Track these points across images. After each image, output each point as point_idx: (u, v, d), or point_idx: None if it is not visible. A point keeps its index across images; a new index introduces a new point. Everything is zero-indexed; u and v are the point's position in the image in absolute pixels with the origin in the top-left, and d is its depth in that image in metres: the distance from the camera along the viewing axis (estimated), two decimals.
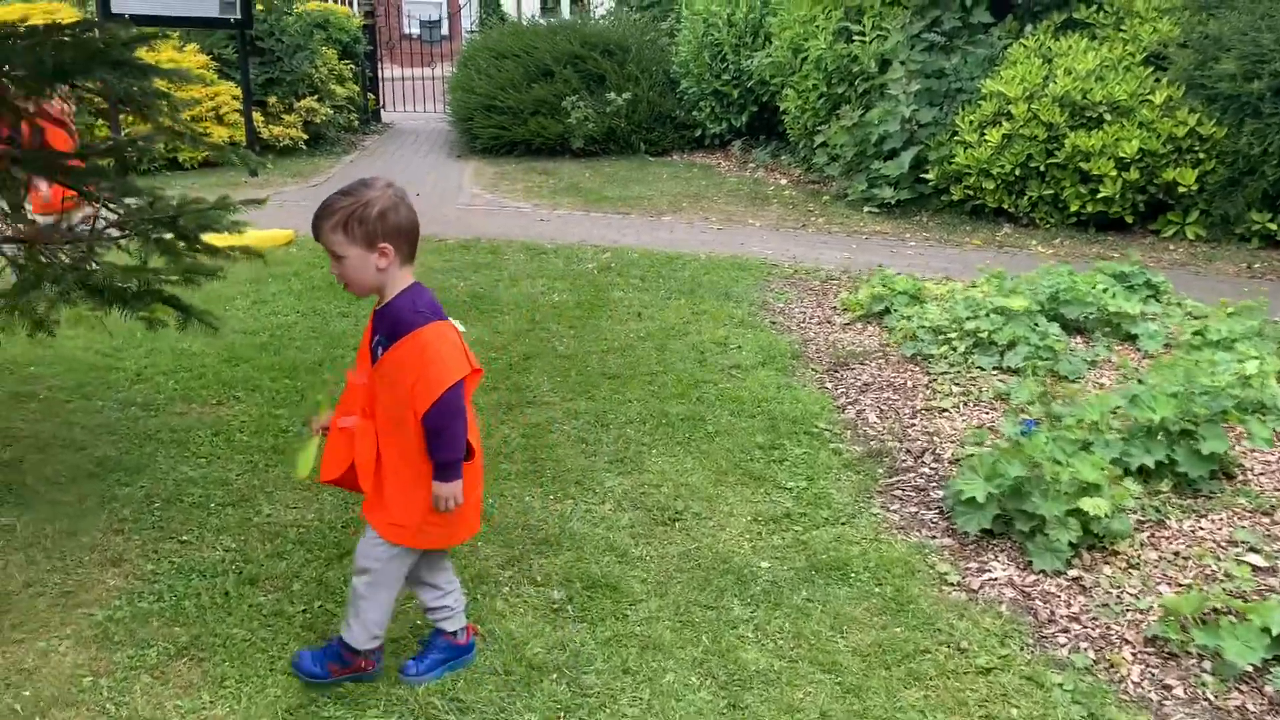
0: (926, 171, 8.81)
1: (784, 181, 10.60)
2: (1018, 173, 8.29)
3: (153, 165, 11.18)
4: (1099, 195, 7.98)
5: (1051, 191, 8.27)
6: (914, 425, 4.32)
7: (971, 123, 8.49)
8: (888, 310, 5.60)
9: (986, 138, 8.32)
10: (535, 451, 4.04)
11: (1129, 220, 8.16)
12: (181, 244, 3.67)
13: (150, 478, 3.75)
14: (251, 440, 4.12)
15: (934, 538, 3.44)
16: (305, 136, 12.34)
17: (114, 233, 3.43)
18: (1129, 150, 7.69)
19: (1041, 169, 8.23)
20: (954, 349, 4.94)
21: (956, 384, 4.67)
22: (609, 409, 4.46)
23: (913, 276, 6.02)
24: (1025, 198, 8.42)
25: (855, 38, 9.52)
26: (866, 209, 9.08)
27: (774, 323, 5.78)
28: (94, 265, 3.31)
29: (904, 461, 4.00)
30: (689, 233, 8.34)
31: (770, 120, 11.69)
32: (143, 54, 10.95)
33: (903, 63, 9.00)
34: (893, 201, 8.95)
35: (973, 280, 6.25)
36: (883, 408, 4.51)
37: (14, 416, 4.31)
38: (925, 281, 5.99)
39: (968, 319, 5.08)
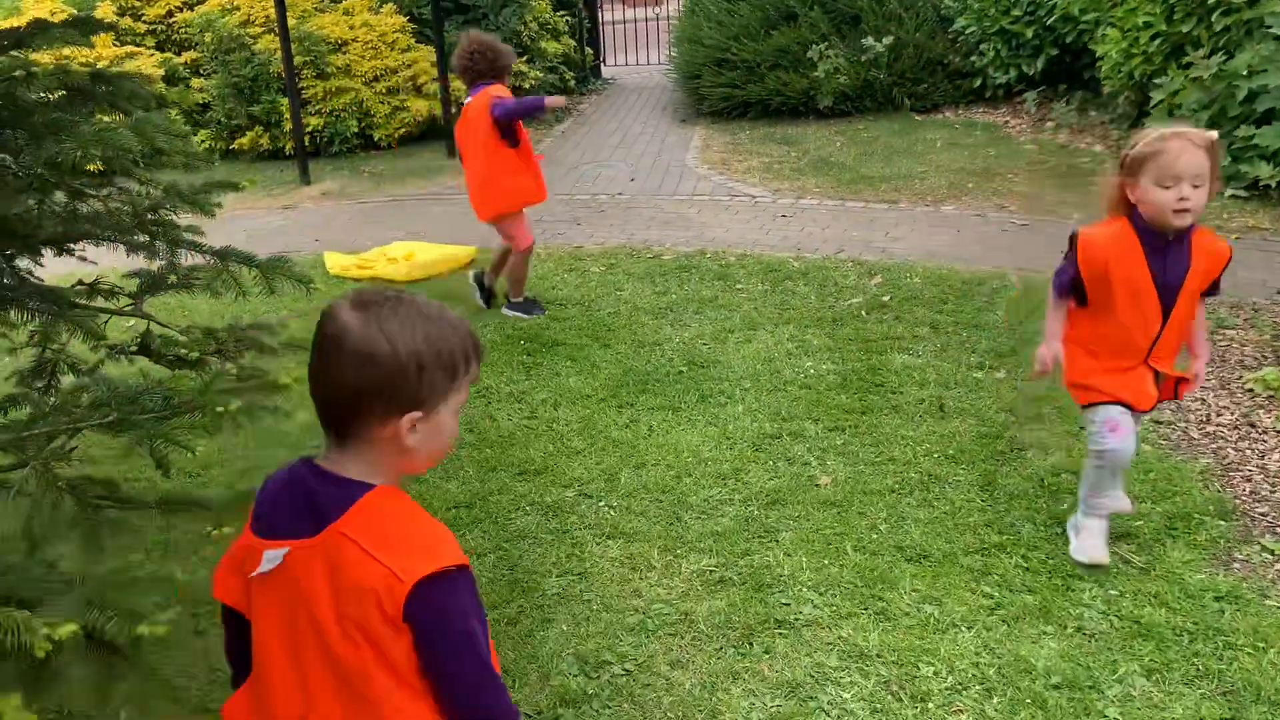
0: None
1: (1100, 149, 8.13)
2: None
3: (345, 147, 9.95)
4: None
5: None
6: None
7: None
8: None
9: None
10: None
11: None
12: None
13: None
14: None
15: None
16: None
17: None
18: None
19: None
20: None
21: None
22: (936, 665, 2.56)
23: None
24: None
25: None
26: (1229, 192, 6.63)
27: (1156, 422, 3.67)
28: None
29: None
30: (983, 231, 6.20)
31: (1074, 66, 9.18)
32: (322, 23, 9.30)
33: None
34: (1273, 184, 6.46)
35: None
36: None
37: None
38: None
39: None
